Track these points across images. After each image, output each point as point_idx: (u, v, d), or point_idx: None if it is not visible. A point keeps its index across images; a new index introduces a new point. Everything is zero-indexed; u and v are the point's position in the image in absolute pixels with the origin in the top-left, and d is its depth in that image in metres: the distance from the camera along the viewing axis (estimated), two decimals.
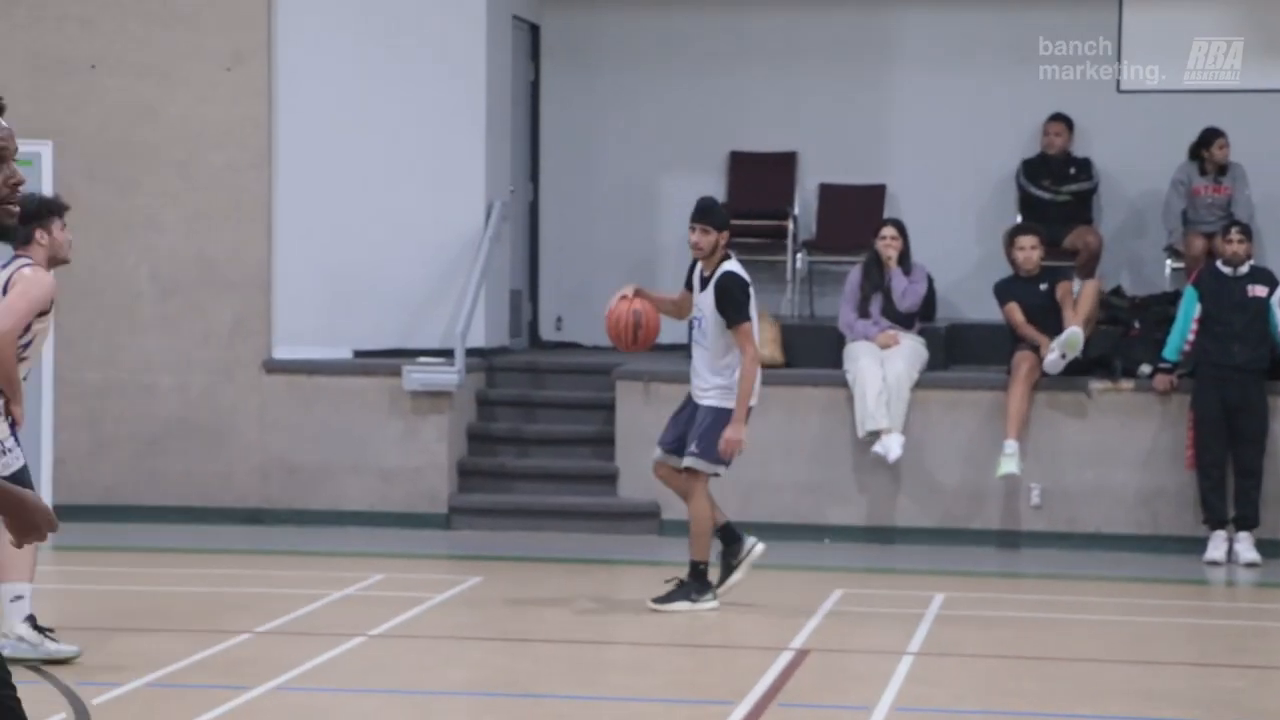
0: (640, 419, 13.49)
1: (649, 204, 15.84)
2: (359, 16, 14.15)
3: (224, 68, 13.89)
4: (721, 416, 10.35)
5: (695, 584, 10.52)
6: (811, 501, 13.34)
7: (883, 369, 13.15)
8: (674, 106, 15.71)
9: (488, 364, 14.36)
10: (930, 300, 13.86)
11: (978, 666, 9.43)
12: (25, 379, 8.76)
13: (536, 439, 14.07)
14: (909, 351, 13.31)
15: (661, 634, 10.11)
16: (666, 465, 10.62)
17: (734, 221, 15.33)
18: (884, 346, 13.23)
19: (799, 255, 15.37)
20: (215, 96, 13.94)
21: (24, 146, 15.05)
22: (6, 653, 8.72)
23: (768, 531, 13.23)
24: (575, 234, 15.92)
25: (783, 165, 15.66)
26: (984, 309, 14.26)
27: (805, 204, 15.64)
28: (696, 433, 10.41)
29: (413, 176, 14.16)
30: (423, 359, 13.86)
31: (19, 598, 8.79)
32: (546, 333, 15.94)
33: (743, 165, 15.68)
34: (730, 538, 10.66)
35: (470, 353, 13.80)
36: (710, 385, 10.43)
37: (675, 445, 10.55)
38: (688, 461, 10.45)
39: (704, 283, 10.55)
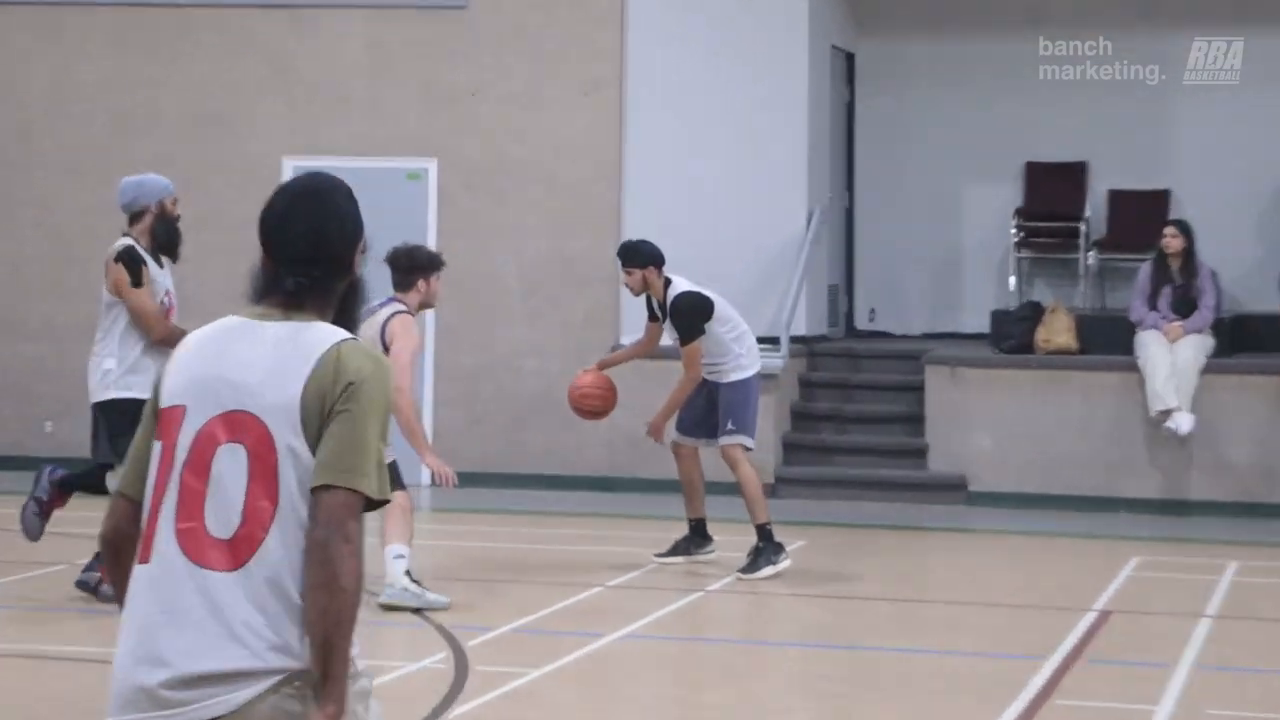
0: (947, 399, 13.01)
1: (952, 209, 15.33)
2: (698, 48, 13.94)
3: (582, 94, 13.78)
4: (743, 387, 9.65)
5: (770, 546, 9.77)
6: (1107, 476, 12.59)
7: (1172, 355, 12.38)
8: (974, 122, 15.16)
9: (809, 350, 13.98)
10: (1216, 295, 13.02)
11: (1274, 630, 8.68)
12: None
13: (853, 418, 13.64)
14: (1196, 339, 12.52)
15: (973, 594, 9.58)
16: (683, 446, 9.91)
17: (1029, 223, 14.98)
18: (1172, 340, 12.44)
19: (1090, 254, 14.69)
20: (574, 119, 13.79)
21: (413, 163, 15.13)
22: (387, 600, 8.61)
23: (1066, 503, 12.61)
24: (886, 236, 15.50)
25: (1074, 173, 15.02)
26: (1265, 301, 13.38)
27: (1095, 208, 14.94)
28: (729, 412, 9.66)
29: (744, 186, 13.87)
30: None
31: (400, 556, 8.72)
32: (860, 323, 15.53)
33: (1037, 174, 15.08)
34: (702, 535, 9.98)
35: (793, 340, 13.46)
36: (727, 365, 9.74)
37: (690, 428, 9.85)
38: (728, 440, 9.66)
39: (664, 310, 9.89)
